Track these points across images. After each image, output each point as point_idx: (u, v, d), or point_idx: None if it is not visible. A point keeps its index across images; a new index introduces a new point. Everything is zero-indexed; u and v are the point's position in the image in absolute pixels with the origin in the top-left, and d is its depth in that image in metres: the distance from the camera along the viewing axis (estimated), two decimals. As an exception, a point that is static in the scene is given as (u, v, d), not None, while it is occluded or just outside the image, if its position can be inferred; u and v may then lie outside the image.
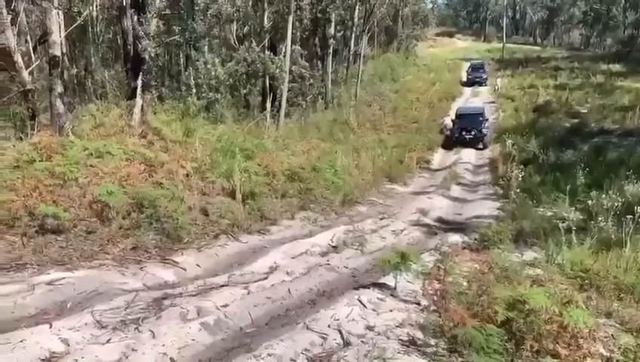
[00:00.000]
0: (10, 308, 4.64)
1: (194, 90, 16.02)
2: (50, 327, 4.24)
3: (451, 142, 22.09)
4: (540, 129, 21.25)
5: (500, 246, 7.53)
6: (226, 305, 5.04)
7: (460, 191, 15.11)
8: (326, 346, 4.29)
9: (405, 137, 21.25)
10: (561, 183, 13.12)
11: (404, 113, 25.63)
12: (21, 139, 8.23)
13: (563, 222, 7.85)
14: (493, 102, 29.20)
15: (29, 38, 11.83)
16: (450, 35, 65.97)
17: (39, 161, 7.47)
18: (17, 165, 7.27)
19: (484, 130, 21.70)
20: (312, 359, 4.03)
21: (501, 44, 49.10)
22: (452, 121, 23.31)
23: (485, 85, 34.81)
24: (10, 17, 9.51)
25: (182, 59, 21.29)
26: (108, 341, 4.14)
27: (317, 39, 25.94)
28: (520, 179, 13.51)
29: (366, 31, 30.14)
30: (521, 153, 17.46)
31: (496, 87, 32.15)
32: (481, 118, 22.42)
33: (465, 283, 5.56)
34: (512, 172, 14.03)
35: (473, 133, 21.53)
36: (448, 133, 22.76)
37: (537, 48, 52.39)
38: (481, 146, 21.37)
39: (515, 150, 17.59)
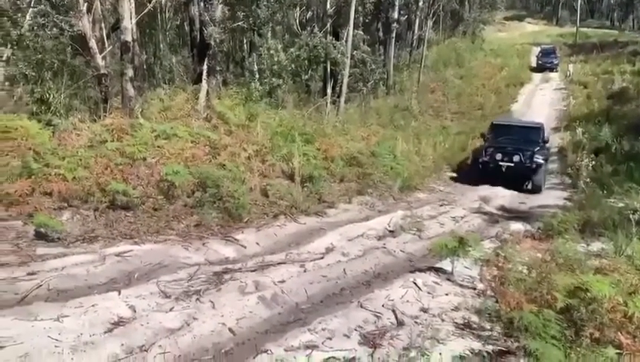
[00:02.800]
0: (84, 276, 4.98)
1: (257, 76, 16.28)
2: (119, 295, 4.52)
3: (477, 174, 13.57)
4: (614, 117, 20.07)
5: (564, 235, 7.27)
6: (282, 281, 5.18)
7: (525, 180, 14.61)
8: (379, 324, 4.33)
9: (469, 124, 20.71)
10: (635, 174, 12.47)
11: (469, 99, 24.94)
12: (95, 120, 8.68)
13: (634, 213, 7.47)
14: (564, 89, 27.97)
15: (102, 24, 12.40)
16: (520, 18, 63.29)
17: (111, 141, 7.88)
18: (91, 145, 7.70)
19: (537, 158, 13.08)
20: (365, 336, 4.08)
21: (574, 29, 46.61)
22: (482, 135, 15.27)
23: (556, 71, 33.23)
24: (85, 5, 10.03)
25: (246, 45, 21.65)
26: (171, 309, 4.36)
27: (380, 24, 25.61)
28: (590, 168, 12.94)
29: (431, 15, 29.45)
30: (592, 142, 16.63)
31: (568, 73, 30.65)
32: (535, 138, 14.04)
33: (525, 271, 5.44)
34: (581, 161, 13.44)
35: (517, 159, 13.09)
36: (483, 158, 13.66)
37: (615, 32, 49.17)
38: (528, 186, 13.18)
39: (586, 138, 16.80)
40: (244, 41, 21.85)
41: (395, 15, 25.10)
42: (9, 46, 9.71)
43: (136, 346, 3.72)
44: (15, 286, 4.54)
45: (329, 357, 3.71)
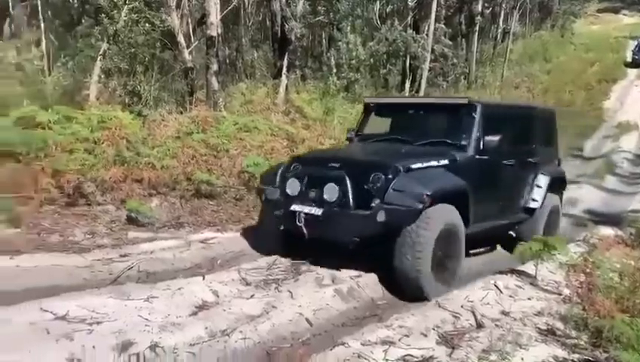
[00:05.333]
0: (171, 260, 5.26)
1: (334, 70, 16.36)
2: (203, 279, 4.71)
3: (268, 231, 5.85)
4: None
5: (661, 243, 6.78)
6: (358, 276, 5.18)
7: (616, 182, 13.74)
8: (458, 325, 4.23)
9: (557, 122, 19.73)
10: None
11: (557, 96, 23.69)
12: (181, 112, 9.10)
13: None
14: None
15: (189, 20, 12.93)
16: (615, 10, 59.19)
17: (196, 132, 8.24)
18: (178, 136, 8.09)
19: (398, 197, 4.61)
20: (443, 335, 4.00)
21: (678, 20, 43.12)
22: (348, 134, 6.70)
23: (654, 67, 30.91)
24: (175, 1, 10.51)
25: (324, 40, 21.81)
26: (251, 296, 4.49)
27: (462, 17, 24.92)
28: (691, 170, 11.95)
29: (517, 7, 28.26)
30: (695, 142, 15.37)
31: (668, 69, 28.45)
32: (450, 134, 5.67)
33: (616, 278, 5.12)
34: (681, 163, 12.45)
35: (332, 195, 4.81)
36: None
37: None
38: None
39: (688, 139, 15.53)
40: (323, 36, 22.02)
41: (479, 8, 24.33)
42: (106, 41, 10.35)
43: (218, 330, 3.84)
44: (109, 267, 4.87)
45: (406, 354, 3.67)
